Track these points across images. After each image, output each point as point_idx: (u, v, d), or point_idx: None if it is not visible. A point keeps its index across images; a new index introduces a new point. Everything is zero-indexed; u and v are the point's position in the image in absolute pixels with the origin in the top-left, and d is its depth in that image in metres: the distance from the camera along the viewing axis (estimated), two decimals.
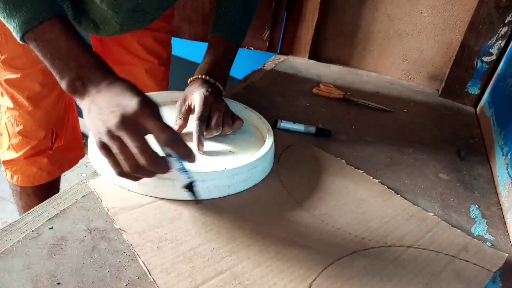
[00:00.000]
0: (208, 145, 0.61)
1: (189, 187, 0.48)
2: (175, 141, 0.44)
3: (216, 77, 0.67)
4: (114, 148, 0.44)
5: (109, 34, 0.71)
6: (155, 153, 0.44)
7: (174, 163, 0.46)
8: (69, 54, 0.48)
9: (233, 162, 0.55)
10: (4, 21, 0.48)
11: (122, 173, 0.45)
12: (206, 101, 0.61)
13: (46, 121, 0.84)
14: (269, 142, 0.61)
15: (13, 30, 0.48)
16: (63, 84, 0.49)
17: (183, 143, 0.45)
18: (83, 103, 0.48)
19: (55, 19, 0.48)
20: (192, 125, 0.59)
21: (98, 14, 0.66)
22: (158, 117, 0.44)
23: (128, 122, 0.43)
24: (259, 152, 0.58)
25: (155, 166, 0.44)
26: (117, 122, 0.43)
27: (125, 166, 0.44)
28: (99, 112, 0.45)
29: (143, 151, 0.42)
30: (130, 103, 0.43)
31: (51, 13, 0.48)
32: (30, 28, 0.47)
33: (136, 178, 0.47)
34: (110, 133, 0.43)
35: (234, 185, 0.54)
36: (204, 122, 0.60)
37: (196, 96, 0.62)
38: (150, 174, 0.46)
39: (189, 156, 0.46)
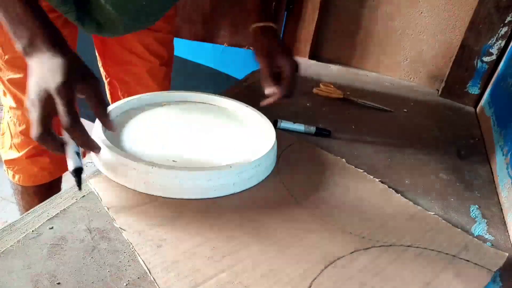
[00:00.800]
0: (209, 142, 0.61)
1: (77, 173, 0.48)
2: (73, 128, 0.47)
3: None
4: (30, 113, 0.48)
5: (112, 35, 0.71)
6: (46, 131, 0.47)
7: (72, 146, 0.49)
8: (24, 20, 0.51)
9: (236, 160, 0.56)
10: None
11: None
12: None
13: None
14: (272, 139, 0.61)
15: None
16: (19, 48, 0.52)
17: (81, 132, 0.48)
18: (28, 65, 0.51)
19: None
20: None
21: (103, 15, 0.66)
22: (67, 100, 0.47)
23: (42, 96, 0.47)
24: (263, 149, 0.58)
25: (42, 142, 0.47)
26: (36, 93, 0.47)
27: (32, 131, 0.47)
28: (32, 77, 0.49)
29: (38, 124, 0.46)
30: (53, 81, 0.47)
31: None
32: None
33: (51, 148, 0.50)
34: (30, 100, 0.48)
35: (239, 183, 0.55)
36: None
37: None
38: (47, 147, 0.49)
39: (86, 146, 0.50)
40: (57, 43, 0.51)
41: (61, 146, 0.50)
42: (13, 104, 0.80)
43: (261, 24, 0.71)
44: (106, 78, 0.96)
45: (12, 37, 0.52)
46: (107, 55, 0.90)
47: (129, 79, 0.90)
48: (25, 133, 0.83)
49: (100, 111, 0.52)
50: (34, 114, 0.47)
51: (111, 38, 0.83)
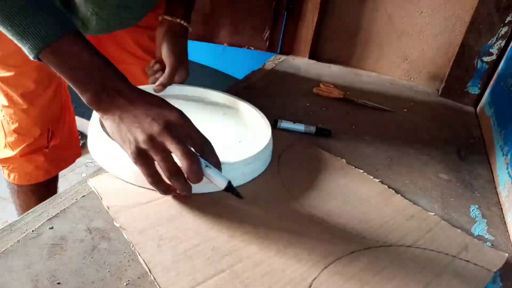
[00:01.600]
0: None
1: (229, 187, 0.48)
2: (213, 152, 0.47)
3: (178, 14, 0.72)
4: (155, 154, 0.44)
5: (97, 33, 0.71)
6: (196, 158, 0.45)
7: (207, 169, 0.47)
8: (93, 66, 0.48)
9: (240, 153, 0.56)
10: (15, 39, 0.47)
11: (156, 181, 0.46)
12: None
13: (41, 119, 0.84)
14: (267, 134, 0.62)
15: (27, 47, 0.46)
16: (86, 97, 0.49)
17: (216, 154, 0.48)
18: (110, 114, 0.48)
19: (74, 34, 0.48)
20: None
21: (84, 12, 0.66)
22: (197, 128, 0.46)
23: (173, 129, 0.44)
24: (260, 144, 0.59)
25: (196, 170, 0.44)
26: (161, 129, 0.43)
27: (165, 171, 0.44)
28: (136, 120, 0.45)
29: (191, 160, 0.43)
30: (172, 113, 0.45)
31: (69, 28, 0.47)
32: (47, 43, 0.46)
33: (166, 190, 0.48)
34: (152, 139, 0.44)
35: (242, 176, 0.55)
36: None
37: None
38: (185, 182, 0.46)
39: (219, 164, 0.49)
40: (130, 82, 0.49)
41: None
42: (6, 103, 0.80)
43: (172, 18, 0.72)
44: None
45: (76, 88, 0.49)
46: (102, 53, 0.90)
47: None
48: (18, 131, 0.83)
49: (207, 150, 0.48)
50: (176, 150, 0.44)
51: (104, 36, 0.83)
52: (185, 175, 0.45)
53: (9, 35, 0.47)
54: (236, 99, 0.73)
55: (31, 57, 0.47)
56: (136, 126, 0.45)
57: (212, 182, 0.48)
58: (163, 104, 0.47)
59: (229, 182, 0.48)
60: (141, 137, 0.44)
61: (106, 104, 0.48)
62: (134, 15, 0.70)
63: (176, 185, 0.46)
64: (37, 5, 0.45)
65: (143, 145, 0.44)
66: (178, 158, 0.44)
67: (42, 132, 0.85)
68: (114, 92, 0.48)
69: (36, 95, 0.80)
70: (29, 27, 0.45)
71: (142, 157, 0.45)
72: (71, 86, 0.49)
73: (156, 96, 0.49)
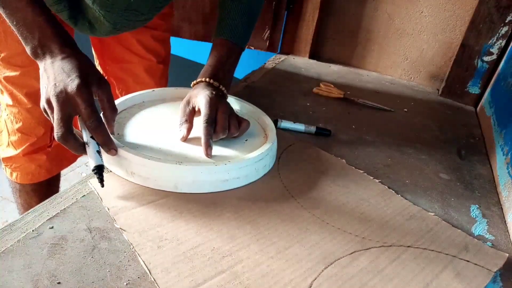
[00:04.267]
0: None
1: (99, 170, 0.49)
2: (97, 129, 0.50)
3: (220, 80, 0.66)
4: (48, 115, 0.52)
5: (104, 34, 0.71)
6: (68, 132, 0.49)
7: (93, 144, 0.51)
8: (34, 23, 0.53)
9: (234, 156, 0.56)
10: None
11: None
12: (212, 104, 0.60)
13: (45, 118, 0.83)
14: (272, 136, 0.62)
15: None
16: (27, 49, 0.54)
17: (104, 132, 0.51)
18: (40, 68, 0.54)
19: None
20: (200, 129, 0.58)
21: (91, 14, 0.66)
22: (89, 103, 0.49)
23: (62, 98, 0.49)
24: (265, 144, 0.59)
25: (65, 142, 0.50)
26: (54, 95, 0.49)
27: (55, 131, 0.50)
28: (47, 80, 0.51)
29: (60, 125, 0.49)
30: (72, 83, 0.49)
31: None
32: None
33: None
34: (48, 102, 0.51)
35: (236, 180, 0.55)
36: (212, 124, 0.59)
37: (201, 98, 0.61)
38: (68, 147, 0.51)
39: (107, 145, 0.52)
40: (67, 44, 0.54)
41: (82, 145, 0.51)
42: (10, 102, 0.80)
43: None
44: (104, 76, 0.96)
45: (21, 40, 0.54)
46: (105, 53, 0.90)
47: (126, 77, 0.91)
48: (22, 130, 0.83)
49: (109, 115, 0.54)
50: (55, 115, 0.49)
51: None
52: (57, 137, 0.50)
53: None
54: (236, 100, 0.73)
55: None
56: (45, 85, 0.52)
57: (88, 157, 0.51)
58: (73, 71, 0.51)
59: (100, 166, 0.50)
60: (43, 96, 0.51)
61: (39, 59, 0.54)
62: (141, 18, 0.70)
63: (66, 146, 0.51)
64: None
65: (44, 104, 0.52)
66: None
67: (45, 131, 0.85)
68: (46, 50, 0.53)
69: (40, 94, 0.81)
70: None
71: (44, 112, 0.53)
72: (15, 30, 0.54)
73: (77, 60, 0.52)
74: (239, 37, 0.71)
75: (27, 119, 0.82)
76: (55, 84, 0.50)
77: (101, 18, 0.65)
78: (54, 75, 0.51)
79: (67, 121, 0.49)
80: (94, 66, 0.54)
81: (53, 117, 0.50)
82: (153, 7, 0.70)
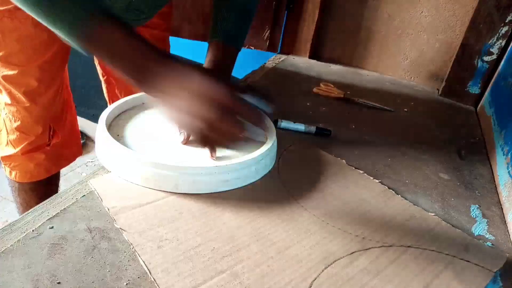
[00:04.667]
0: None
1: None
2: (262, 120, 0.53)
3: None
4: (215, 136, 0.51)
5: None
6: (241, 122, 0.50)
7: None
8: (131, 50, 0.48)
9: (234, 157, 0.56)
10: (52, 26, 0.46)
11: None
12: None
13: (43, 117, 0.84)
14: (272, 136, 0.62)
15: (65, 31, 0.46)
16: (132, 82, 0.50)
17: (264, 118, 0.54)
18: (160, 97, 0.50)
19: (109, 18, 0.48)
20: None
21: None
22: (247, 104, 0.51)
23: (224, 112, 0.48)
24: (265, 145, 0.59)
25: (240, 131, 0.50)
26: (217, 117, 0.48)
27: (224, 142, 0.51)
28: (190, 107, 0.48)
29: (238, 127, 0.50)
30: (219, 90, 0.48)
31: (101, 12, 0.47)
32: (84, 26, 0.46)
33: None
34: (211, 126, 0.49)
35: (236, 180, 0.55)
36: None
37: None
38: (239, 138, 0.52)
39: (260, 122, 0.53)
40: (168, 57, 0.50)
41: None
42: (8, 101, 0.80)
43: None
44: (103, 76, 0.96)
45: (120, 71, 0.49)
46: None
47: None
48: (20, 129, 0.83)
49: (257, 118, 0.53)
50: (224, 124, 0.49)
51: None
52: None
53: (54, 28, 0.46)
54: None
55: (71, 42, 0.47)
56: (192, 114, 0.48)
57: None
58: (210, 84, 0.49)
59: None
60: (202, 125, 0.49)
61: (152, 87, 0.49)
62: (142, 16, 0.70)
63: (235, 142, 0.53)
64: None
65: (206, 132, 0.50)
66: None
67: (44, 130, 0.85)
68: (159, 75, 0.49)
69: (39, 93, 0.81)
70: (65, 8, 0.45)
71: (207, 141, 0.52)
72: (116, 71, 0.49)
73: (196, 70, 0.49)
74: (235, 38, 0.71)
75: (26, 117, 0.82)
76: (207, 106, 0.48)
77: None
78: (194, 97, 0.48)
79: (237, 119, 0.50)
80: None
81: (222, 133, 0.50)
82: (153, 5, 0.70)
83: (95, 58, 0.93)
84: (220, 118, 0.49)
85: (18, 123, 0.82)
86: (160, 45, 0.89)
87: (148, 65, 0.48)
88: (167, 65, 0.49)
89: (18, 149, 0.85)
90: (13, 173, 0.89)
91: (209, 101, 0.48)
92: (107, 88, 0.97)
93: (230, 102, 0.49)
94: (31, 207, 0.47)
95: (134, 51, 0.48)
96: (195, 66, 0.50)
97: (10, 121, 0.83)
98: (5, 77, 0.78)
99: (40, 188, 0.92)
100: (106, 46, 0.48)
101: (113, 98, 0.97)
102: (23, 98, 0.80)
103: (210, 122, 0.49)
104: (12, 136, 0.84)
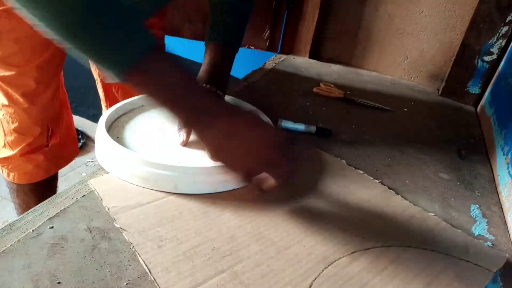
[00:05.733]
0: None
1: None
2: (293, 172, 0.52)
3: (217, 84, 0.66)
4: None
5: None
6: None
7: None
8: (182, 85, 0.47)
9: None
10: (99, 64, 0.44)
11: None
12: None
13: (41, 118, 0.84)
14: None
15: (113, 69, 0.44)
16: (181, 119, 0.50)
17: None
18: (210, 135, 0.48)
19: (158, 51, 0.45)
20: None
21: None
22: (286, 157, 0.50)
23: (275, 156, 0.48)
24: None
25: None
26: (261, 167, 0.48)
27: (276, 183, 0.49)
28: (242, 144, 0.48)
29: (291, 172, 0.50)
30: (274, 137, 0.49)
31: (153, 44, 0.45)
32: (135, 62, 0.44)
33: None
34: (261, 167, 0.49)
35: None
36: None
37: None
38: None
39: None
40: (218, 98, 0.52)
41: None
42: (6, 102, 0.80)
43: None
44: (99, 75, 0.96)
45: (170, 108, 0.47)
46: None
47: None
48: (18, 130, 0.82)
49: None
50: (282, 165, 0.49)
51: None
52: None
53: (94, 59, 0.44)
54: (236, 101, 0.73)
55: (117, 79, 0.45)
56: (244, 152, 0.48)
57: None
58: (261, 125, 0.50)
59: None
60: (252, 164, 0.49)
61: (204, 124, 0.48)
62: (144, 16, 0.70)
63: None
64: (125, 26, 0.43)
65: (255, 171, 0.50)
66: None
67: (42, 131, 0.85)
68: (209, 112, 0.48)
69: (36, 94, 0.81)
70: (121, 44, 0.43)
71: (248, 180, 0.51)
72: (161, 107, 0.47)
73: (249, 113, 0.51)
74: (232, 39, 0.71)
75: (24, 119, 0.82)
76: (258, 146, 0.48)
77: None
78: (245, 136, 0.48)
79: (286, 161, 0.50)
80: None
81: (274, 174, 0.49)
82: (153, 5, 0.70)
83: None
84: (261, 168, 0.49)
85: (16, 124, 0.82)
86: None
87: (199, 104, 0.47)
88: (216, 106, 0.49)
89: (16, 150, 0.84)
90: (11, 174, 0.88)
91: (265, 145, 0.49)
92: (103, 87, 0.97)
93: (275, 156, 0.49)
94: (30, 208, 0.47)
95: (183, 85, 0.47)
96: (257, 116, 0.51)
97: (8, 122, 0.82)
98: (2, 78, 0.77)
99: (39, 189, 0.92)
100: (155, 76, 0.45)
101: (110, 97, 0.97)
102: (21, 100, 0.79)
103: (253, 169, 0.49)
104: (10, 138, 0.84)
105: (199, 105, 0.47)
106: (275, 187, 0.50)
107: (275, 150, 0.49)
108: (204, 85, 0.65)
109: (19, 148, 0.84)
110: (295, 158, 0.53)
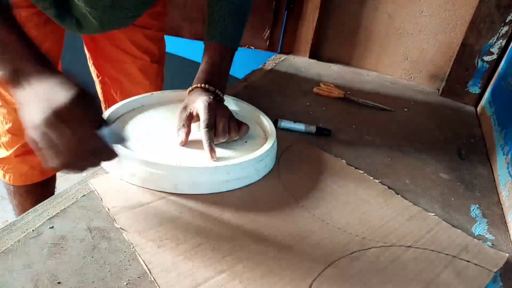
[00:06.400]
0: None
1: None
2: (101, 151, 0.44)
3: (215, 84, 0.66)
4: (42, 144, 0.41)
5: (92, 32, 0.70)
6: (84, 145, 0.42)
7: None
8: (6, 45, 0.45)
9: (235, 157, 0.56)
10: None
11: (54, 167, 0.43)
12: (210, 109, 0.60)
13: None
14: (272, 136, 0.62)
15: None
16: (2, 76, 0.46)
17: (107, 150, 0.44)
18: (17, 96, 0.45)
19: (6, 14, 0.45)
20: (201, 134, 0.58)
21: (77, 11, 0.65)
22: (87, 120, 0.43)
23: (56, 119, 0.41)
24: (265, 145, 0.59)
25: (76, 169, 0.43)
26: (45, 118, 0.40)
27: (54, 162, 0.42)
28: (28, 107, 0.43)
29: (71, 148, 0.41)
30: (60, 98, 0.41)
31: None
32: None
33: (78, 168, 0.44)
34: (38, 129, 0.41)
35: (236, 181, 0.55)
36: (212, 129, 0.59)
37: (199, 104, 0.61)
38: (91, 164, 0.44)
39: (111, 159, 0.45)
40: (42, 62, 0.46)
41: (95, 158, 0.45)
42: None
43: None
44: (98, 76, 0.95)
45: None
46: (97, 53, 0.89)
47: (120, 76, 0.90)
48: (12, 131, 0.81)
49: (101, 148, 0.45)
50: (59, 141, 0.41)
51: (100, 35, 0.82)
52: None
53: None
54: (236, 101, 0.73)
55: None
56: (27, 112, 0.43)
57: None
58: (58, 87, 0.43)
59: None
60: (29, 125, 0.42)
61: (15, 85, 0.45)
62: (128, 15, 0.70)
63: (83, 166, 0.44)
64: None
65: (33, 134, 0.42)
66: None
67: None
68: (20, 74, 0.45)
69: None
70: None
71: (34, 144, 0.43)
72: None
73: (59, 77, 0.44)
74: (230, 38, 0.71)
75: (17, 119, 0.80)
76: (39, 106, 0.42)
77: (88, 15, 0.65)
78: (35, 98, 0.43)
79: (74, 140, 0.42)
80: (77, 82, 0.45)
81: (49, 146, 0.42)
82: (139, 4, 0.69)
83: (89, 59, 0.92)
84: (47, 121, 0.41)
85: (10, 125, 0.81)
86: (155, 45, 0.88)
87: (21, 66, 0.44)
88: (38, 72, 0.44)
89: (11, 151, 0.83)
90: (7, 176, 0.87)
91: (46, 105, 0.42)
92: (102, 88, 0.97)
93: (63, 108, 0.41)
94: (27, 210, 0.46)
95: (14, 47, 0.45)
96: (64, 81, 0.44)
97: (1, 123, 0.81)
98: None
99: (36, 191, 0.91)
100: None
101: (109, 98, 0.96)
102: (13, 100, 0.79)
103: (36, 122, 0.41)
104: (4, 139, 0.83)
105: (16, 66, 0.44)
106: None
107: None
108: (202, 84, 0.65)
109: (13, 149, 0.83)
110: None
